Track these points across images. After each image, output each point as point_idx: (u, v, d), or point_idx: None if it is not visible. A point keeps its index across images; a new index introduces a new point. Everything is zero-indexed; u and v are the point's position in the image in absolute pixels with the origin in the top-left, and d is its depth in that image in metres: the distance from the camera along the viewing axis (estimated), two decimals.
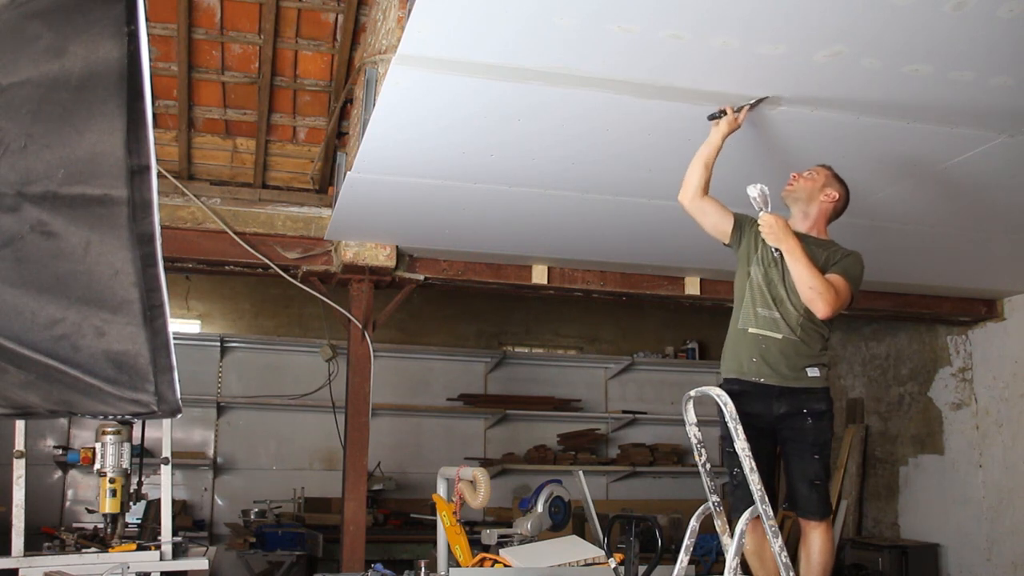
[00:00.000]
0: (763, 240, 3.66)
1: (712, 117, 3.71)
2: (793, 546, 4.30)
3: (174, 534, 4.41)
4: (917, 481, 7.98)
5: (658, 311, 9.49)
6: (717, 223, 3.80)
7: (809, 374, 3.59)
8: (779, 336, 3.57)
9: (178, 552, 4.37)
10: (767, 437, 3.60)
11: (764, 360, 3.57)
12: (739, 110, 3.64)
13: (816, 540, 3.58)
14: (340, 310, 6.06)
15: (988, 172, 4.36)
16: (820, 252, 3.63)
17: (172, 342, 1.77)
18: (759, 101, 3.61)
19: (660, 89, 3.54)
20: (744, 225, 3.80)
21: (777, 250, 3.56)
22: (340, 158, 5.58)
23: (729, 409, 3.22)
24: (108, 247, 1.68)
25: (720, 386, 3.53)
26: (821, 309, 3.49)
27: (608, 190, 4.74)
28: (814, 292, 3.47)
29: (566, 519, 5.07)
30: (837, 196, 3.78)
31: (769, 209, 3.53)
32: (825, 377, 3.65)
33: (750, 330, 3.62)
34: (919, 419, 7.99)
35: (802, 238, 3.65)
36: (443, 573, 4.75)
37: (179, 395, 1.80)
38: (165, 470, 4.48)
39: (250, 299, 8.64)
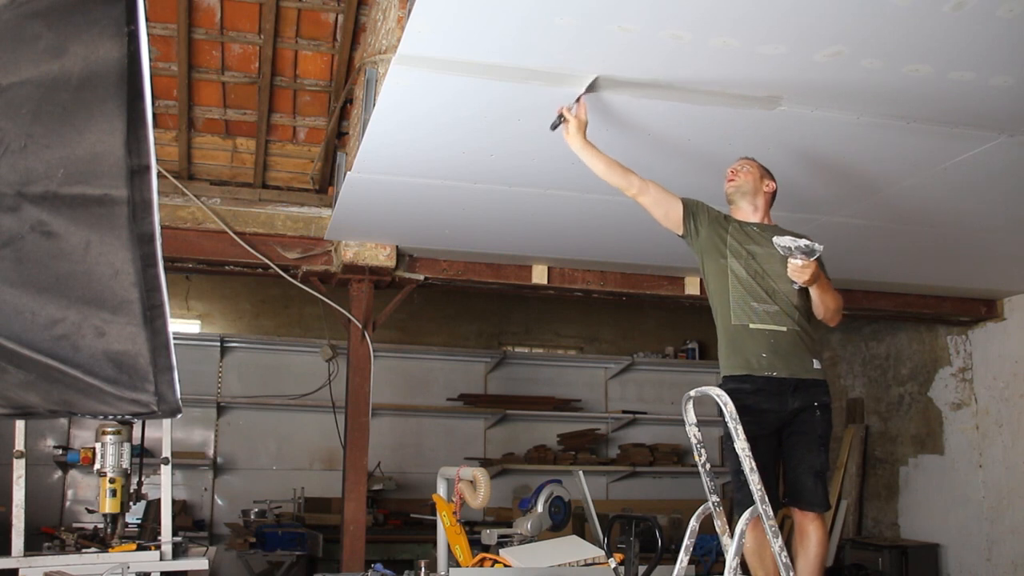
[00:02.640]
0: (732, 233, 3.68)
1: (554, 126, 3.69)
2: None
3: (174, 534, 4.41)
4: (917, 481, 7.98)
5: (658, 311, 9.49)
6: (668, 211, 3.75)
7: (814, 365, 3.64)
8: (784, 328, 3.59)
9: (178, 552, 4.38)
10: (773, 434, 3.61)
11: (776, 354, 3.56)
12: (575, 107, 3.62)
13: (814, 533, 3.60)
14: (340, 310, 6.06)
15: (988, 172, 4.36)
16: None
17: (172, 342, 1.77)
18: (587, 89, 3.55)
19: (660, 89, 3.54)
20: (698, 214, 3.75)
21: (752, 246, 3.62)
22: (340, 158, 5.58)
23: (729, 409, 3.21)
24: (108, 247, 1.68)
25: (723, 384, 3.53)
26: (839, 321, 3.71)
27: (608, 190, 4.72)
28: (839, 311, 3.69)
29: (566, 519, 5.07)
30: (775, 186, 3.85)
31: (813, 258, 3.43)
32: (824, 370, 3.72)
33: (752, 326, 3.60)
34: (919, 419, 7.99)
35: (763, 228, 3.72)
36: (443, 573, 4.75)
37: (179, 395, 1.80)
38: (165, 470, 4.48)
39: (250, 299, 8.64)
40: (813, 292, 3.57)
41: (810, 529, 3.60)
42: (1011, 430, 7.06)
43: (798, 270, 3.46)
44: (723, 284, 3.69)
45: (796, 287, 3.57)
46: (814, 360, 3.63)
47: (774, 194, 3.85)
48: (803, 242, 3.42)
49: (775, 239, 3.47)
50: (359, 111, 4.77)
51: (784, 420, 3.60)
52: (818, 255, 3.43)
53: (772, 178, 3.86)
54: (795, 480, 3.63)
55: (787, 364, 3.57)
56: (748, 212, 3.78)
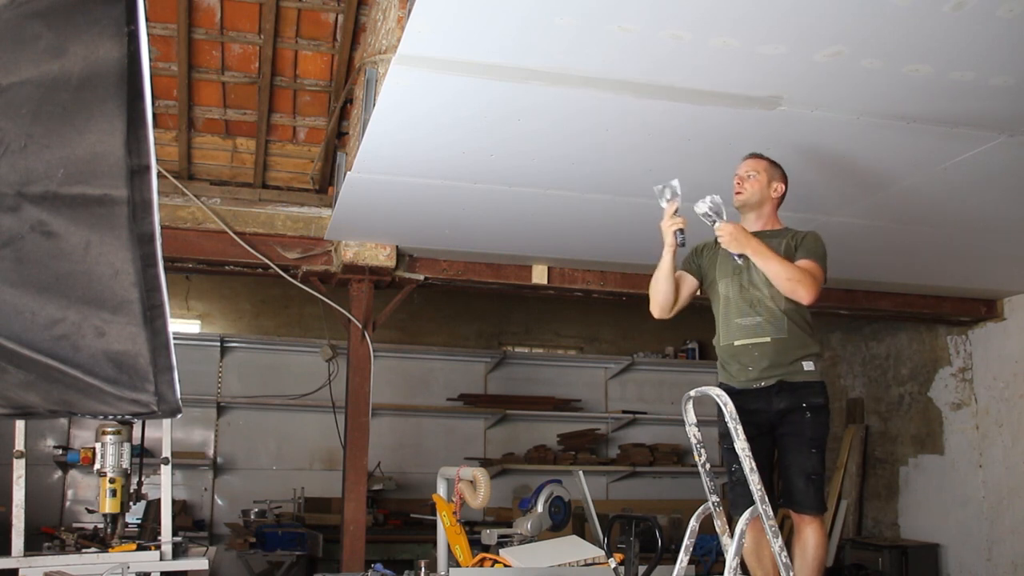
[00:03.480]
0: (721, 253, 3.72)
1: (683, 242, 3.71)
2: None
3: (174, 534, 4.41)
4: (917, 481, 7.98)
5: None
6: (691, 294, 3.88)
7: (805, 368, 3.60)
8: (768, 339, 3.59)
9: (178, 552, 4.38)
10: (767, 434, 3.61)
11: (759, 365, 3.60)
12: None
13: (811, 536, 3.58)
14: (340, 310, 6.06)
15: (988, 172, 4.36)
16: (779, 242, 3.66)
17: (172, 342, 1.77)
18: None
19: (660, 89, 3.54)
20: (700, 262, 3.87)
21: (741, 256, 3.59)
22: (340, 158, 5.58)
23: (729, 409, 3.22)
24: (108, 247, 1.68)
25: (719, 386, 3.54)
26: (804, 295, 3.53)
27: (608, 190, 4.74)
28: (792, 282, 3.51)
29: (566, 519, 5.07)
30: (784, 189, 3.83)
31: (725, 218, 3.53)
32: (820, 371, 3.67)
33: (737, 343, 3.66)
34: (919, 419, 7.99)
35: (758, 235, 3.69)
36: (443, 573, 4.75)
37: (179, 395, 1.80)
38: (165, 470, 4.48)
39: (250, 299, 8.64)
40: (755, 261, 3.55)
41: (807, 532, 3.59)
42: (1011, 430, 7.06)
43: (718, 233, 3.53)
44: (717, 306, 3.80)
45: (737, 259, 3.59)
46: (805, 362, 3.61)
47: (783, 195, 3.84)
48: (709, 199, 3.52)
49: (694, 207, 3.54)
50: (359, 111, 4.77)
51: (773, 420, 3.60)
52: (723, 213, 3.53)
53: (782, 179, 3.83)
54: (787, 482, 3.63)
55: (772, 371, 3.59)
56: (751, 221, 3.79)
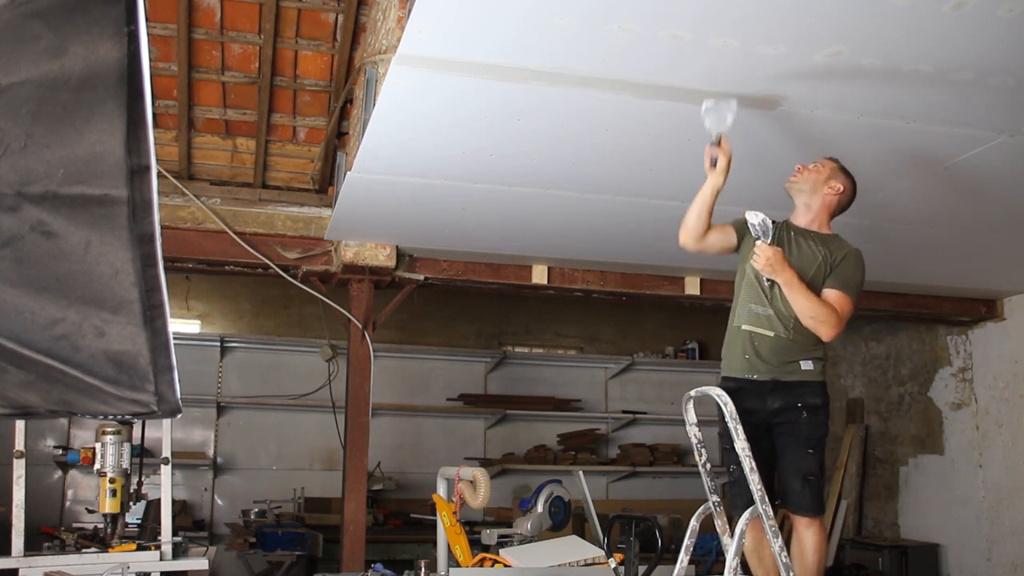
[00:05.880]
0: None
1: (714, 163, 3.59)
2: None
3: (174, 534, 4.41)
4: (917, 481, 7.98)
5: (658, 311, 9.49)
6: (723, 247, 3.77)
7: (803, 367, 3.57)
8: (771, 334, 3.57)
9: (178, 552, 4.38)
10: (764, 433, 3.59)
11: (756, 356, 3.57)
12: (718, 142, 3.56)
13: (810, 538, 3.55)
14: (340, 310, 6.06)
15: (988, 172, 4.36)
16: (820, 248, 3.62)
17: (172, 342, 1.77)
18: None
19: (660, 89, 3.54)
20: (745, 229, 3.75)
21: (769, 280, 3.55)
22: (340, 158, 5.58)
23: (729, 409, 3.22)
24: (108, 247, 1.68)
25: (719, 385, 3.53)
26: (825, 334, 3.53)
27: (608, 190, 4.74)
28: (816, 321, 3.50)
29: (566, 519, 5.07)
30: (842, 189, 3.74)
31: (769, 240, 3.48)
32: (821, 371, 3.62)
33: (743, 327, 3.63)
34: (919, 419, 7.99)
35: (803, 233, 3.66)
36: (443, 573, 4.75)
37: (179, 395, 1.80)
38: (165, 470, 4.48)
39: (250, 299, 8.64)
40: (784, 291, 3.51)
41: (806, 535, 3.56)
42: (1011, 430, 7.06)
43: (756, 252, 3.48)
44: (738, 286, 3.75)
45: (764, 281, 3.56)
46: (804, 362, 3.57)
47: (841, 198, 3.75)
48: (761, 217, 3.46)
49: (747, 214, 3.49)
50: (359, 111, 4.78)
51: (768, 419, 3.58)
52: (771, 235, 3.46)
53: (845, 182, 3.74)
54: (784, 483, 3.61)
55: (768, 367, 3.56)
56: (800, 211, 3.76)
